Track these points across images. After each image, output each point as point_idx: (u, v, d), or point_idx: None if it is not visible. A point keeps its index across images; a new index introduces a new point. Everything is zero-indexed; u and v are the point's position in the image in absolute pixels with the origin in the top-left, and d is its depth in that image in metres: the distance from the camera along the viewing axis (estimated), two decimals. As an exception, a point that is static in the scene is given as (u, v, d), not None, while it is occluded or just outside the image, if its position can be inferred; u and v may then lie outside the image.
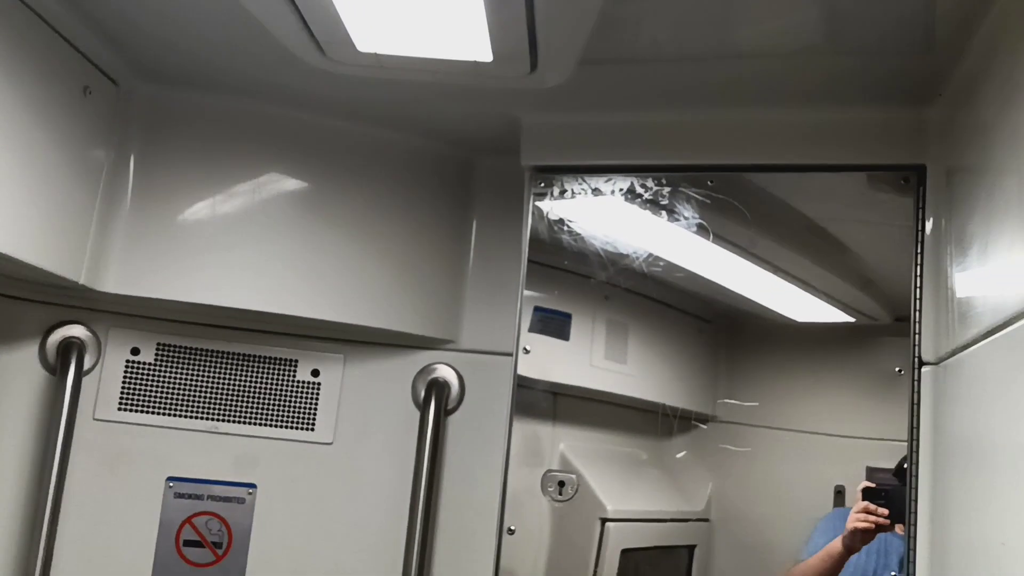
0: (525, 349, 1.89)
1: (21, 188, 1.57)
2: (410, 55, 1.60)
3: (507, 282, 1.98)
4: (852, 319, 1.92)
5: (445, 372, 2.09)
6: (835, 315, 1.94)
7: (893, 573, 1.64)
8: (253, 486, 2.03)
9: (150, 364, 2.01)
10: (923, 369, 1.56)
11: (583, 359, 2.01)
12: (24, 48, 1.55)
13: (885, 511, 1.65)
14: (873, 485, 1.68)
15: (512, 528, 1.84)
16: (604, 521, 1.91)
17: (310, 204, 1.97)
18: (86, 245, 1.79)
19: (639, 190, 1.84)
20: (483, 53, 1.55)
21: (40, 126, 1.61)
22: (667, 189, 1.83)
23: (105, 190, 1.83)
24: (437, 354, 2.10)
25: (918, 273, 1.61)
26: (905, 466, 1.59)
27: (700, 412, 1.97)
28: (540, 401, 1.93)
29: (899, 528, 1.60)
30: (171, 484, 2.00)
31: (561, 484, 1.90)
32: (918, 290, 1.60)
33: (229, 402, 2.04)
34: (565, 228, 1.90)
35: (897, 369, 1.61)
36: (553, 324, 1.98)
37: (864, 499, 1.67)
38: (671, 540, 2.01)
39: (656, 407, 1.98)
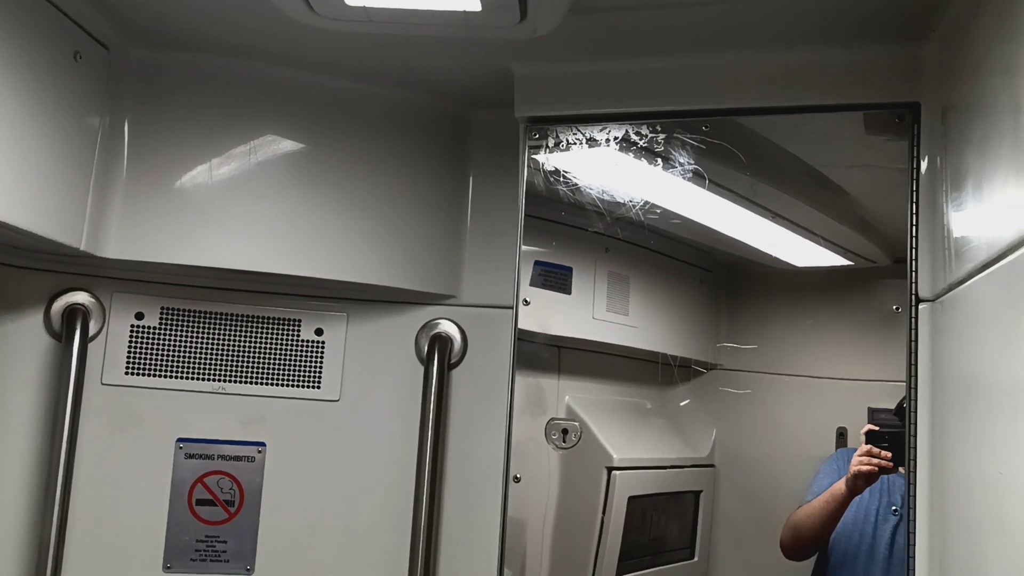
0: (525, 301, 1.90)
1: (15, 155, 1.58)
2: (398, 7, 1.59)
3: (506, 236, 1.99)
4: (851, 262, 1.93)
5: (447, 327, 2.11)
6: (834, 259, 1.95)
7: (895, 508, 1.65)
8: (262, 444, 2.06)
9: (155, 328, 2.02)
10: (920, 306, 1.57)
11: (585, 312, 2.02)
12: (12, 14, 1.55)
13: (888, 453, 1.66)
14: (876, 428, 1.69)
15: (518, 476, 1.86)
16: (610, 470, 1.93)
17: (307, 163, 1.97)
18: (85, 211, 1.80)
19: (634, 138, 1.84)
20: (471, 2, 1.54)
21: (31, 93, 1.61)
22: (662, 136, 1.82)
23: (101, 155, 1.83)
24: (439, 309, 2.11)
25: (914, 211, 1.61)
26: (905, 405, 1.60)
27: (703, 360, 1.98)
28: (544, 354, 1.95)
29: (903, 470, 1.62)
30: (181, 445, 2.02)
31: (565, 432, 1.92)
32: (914, 228, 1.60)
33: (235, 363, 2.06)
34: (562, 180, 1.90)
35: (895, 307, 1.62)
36: (554, 278, 1.99)
37: (867, 442, 1.68)
38: (677, 486, 2.04)
39: (659, 357, 1.99)
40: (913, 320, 1.57)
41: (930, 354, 1.54)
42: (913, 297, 1.58)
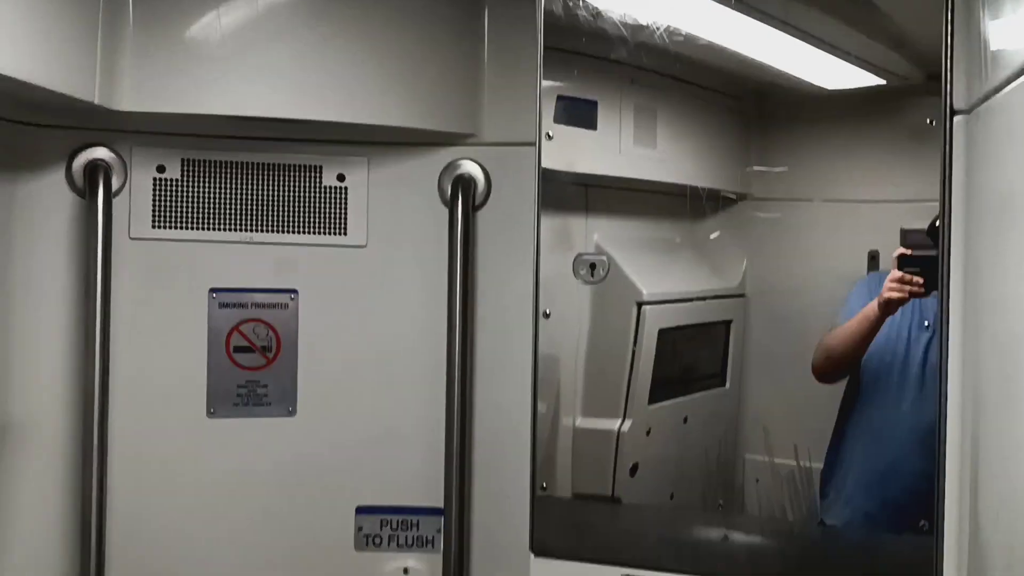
0: (548, 135, 1.86)
1: (18, 9, 1.53)
2: None
3: (526, 69, 1.92)
4: (883, 80, 1.85)
5: (470, 167, 2.08)
6: (866, 77, 1.87)
7: (927, 323, 1.65)
8: (294, 291, 2.09)
9: (177, 180, 2.02)
10: (955, 119, 1.51)
11: (612, 147, 1.97)
12: None
13: (920, 279, 1.64)
14: (909, 252, 1.66)
15: (548, 312, 1.88)
16: (640, 305, 1.94)
17: (319, 3, 1.90)
18: (95, 64, 1.76)
19: (656, -46, 1.74)
20: None
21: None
22: (686, -50, 1.73)
23: (105, 5, 1.78)
24: (460, 150, 2.08)
25: (949, 19, 1.52)
26: (938, 224, 1.57)
27: (733, 190, 1.95)
28: (571, 193, 1.92)
29: (935, 293, 1.60)
30: (215, 295, 2.05)
31: (592, 266, 1.92)
32: (949, 37, 1.52)
33: (260, 212, 2.06)
34: (581, 4, 1.82)
35: (928, 121, 1.56)
36: (579, 113, 1.94)
37: (899, 267, 1.66)
38: (707, 317, 2.04)
39: (688, 189, 1.96)
40: (947, 134, 1.52)
41: (965, 169, 1.50)
42: (947, 110, 1.51)
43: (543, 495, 1.88)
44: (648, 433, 1.92)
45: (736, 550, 1.74)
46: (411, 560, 2.11)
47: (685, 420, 1.99)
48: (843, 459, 1.75)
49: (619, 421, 1.91)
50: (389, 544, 2.11)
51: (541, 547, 1.87)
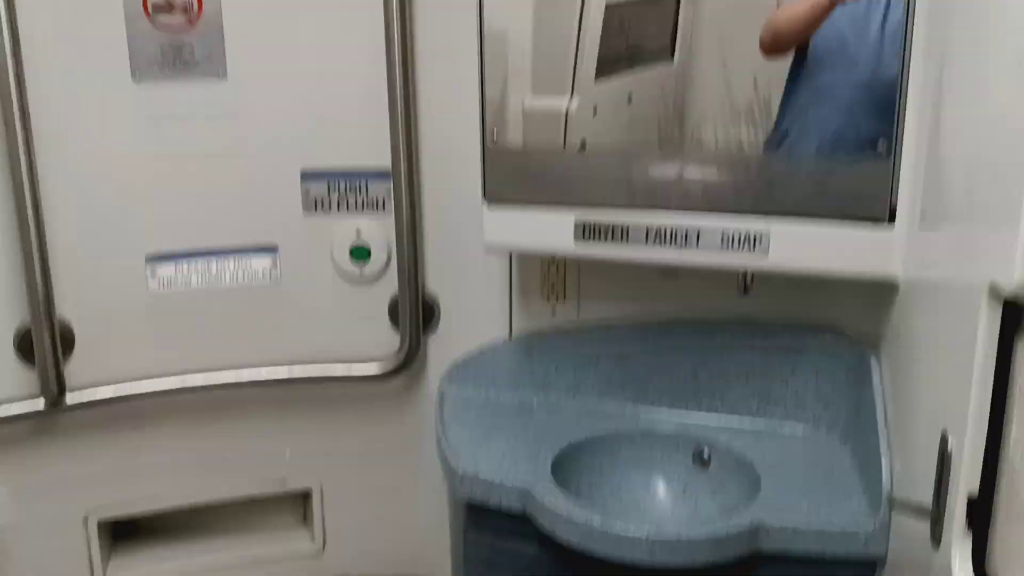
0: None
1: None
2: None
3: None
4: None
5: None
6: None
7: None
8: (212, -60, 1.90)
9: None
10: None
11: None
12: None
13: None
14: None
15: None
16: None
17: None
18: None
19: None
20: None
21: None
22: None
23: None
24: None
25: None
26: None
27: None
28: None
29: None
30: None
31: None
32: None
33: None
34: None
35: None
36: None
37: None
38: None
39: None
40: None
41: None
42: None
43: (494, 147, 1.84)
44: (595, 113, 1.88)
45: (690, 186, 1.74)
46: (363, 220, 2.09)
47: (629, 99, 1.95)
48: (799, 101, 1.72)
49: (567, 98, 1.86)
50: (339, 208, 2.10)
51: (494, 196, 1.85)
